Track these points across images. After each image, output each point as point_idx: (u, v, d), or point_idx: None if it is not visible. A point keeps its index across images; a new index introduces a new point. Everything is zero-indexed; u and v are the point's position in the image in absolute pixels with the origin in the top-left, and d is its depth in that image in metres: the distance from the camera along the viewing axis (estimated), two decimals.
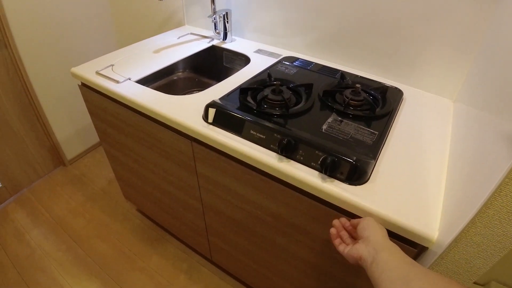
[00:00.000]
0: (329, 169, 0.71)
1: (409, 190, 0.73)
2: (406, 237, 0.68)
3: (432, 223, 0.67)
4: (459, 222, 0.56)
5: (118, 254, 1.57)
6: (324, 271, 0.92)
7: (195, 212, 1.19)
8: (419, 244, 0.68)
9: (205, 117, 0.89)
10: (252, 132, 0.82)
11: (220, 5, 1.39)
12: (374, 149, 0.79)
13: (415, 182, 0.75)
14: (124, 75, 1.11)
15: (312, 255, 0.91)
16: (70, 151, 2.04)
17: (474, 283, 1.43)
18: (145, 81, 1.12)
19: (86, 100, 1.24)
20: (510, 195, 0.49)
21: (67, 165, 2.05)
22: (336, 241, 0.66)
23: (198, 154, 0.96)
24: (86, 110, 1.28)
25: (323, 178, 0.73)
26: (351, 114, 0.91)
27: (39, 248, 1.59)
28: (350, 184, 0.73)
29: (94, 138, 2.17)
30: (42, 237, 1.64)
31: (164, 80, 1.27)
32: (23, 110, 1.71)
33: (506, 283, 1.34)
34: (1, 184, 1.77)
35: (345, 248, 0.62)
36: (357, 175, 0.73)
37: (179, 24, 1.61)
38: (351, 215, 0.73)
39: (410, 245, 0.69)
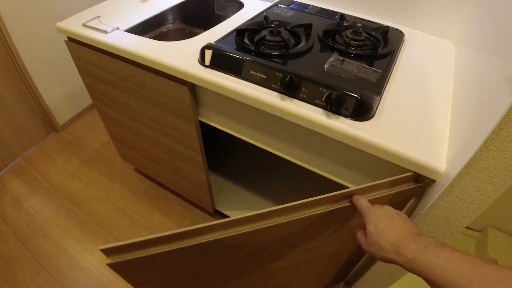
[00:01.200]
0: (334, 105, 0.69)
1: (414, 124, 0.71)
2: (413, 170, 0.67)
3: (439, 155, 0.66)
4: (470, 148, 0.55)
5: (119, 214, 1.57)
6: None
7: (195, 164, 1.18)
8: (427, 178, 0.67)
9: (202, 60, 0.85)
10: (252, 72, 0.78)
11: None
12: (378, 85, 0.78)
13: (420, 117, 0.74)
14: (112, 26, 1.05)
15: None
16: (61, 117, 1.99)
17: (470, 228, 1.46)
18: (134, 32, 1.06)
19: (74, 57, 1.18)
20: None
21: (59, 131, 2.01)
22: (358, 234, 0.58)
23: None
24: (75, 72, 1.23)
25: (328, 115, 0.71)
26: (352, 54, 0.88)
27: (38, 214, 1.58)
28: (355, 120, 0.71)
29: (85, 101, 2.11)
30: (40, 204, 1.63)
31: (154, 32, 1.21)
32: (10, 77, 1.64)
33: (502, 229, 1.38)
34: None
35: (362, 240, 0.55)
36: (362, 110, 0.71)
37: None
38: (358, 152, 0.72)
39: (416, 182, 0.69)
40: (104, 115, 1.38)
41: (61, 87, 1.91)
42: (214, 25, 1.04)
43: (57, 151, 1.90)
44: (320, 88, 0.72)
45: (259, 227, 0.59)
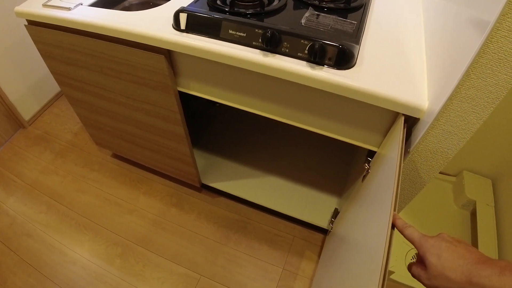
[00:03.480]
0: (318, 56, 0.70)
1: (394, 67, 0.74)
2: (398, 111, 0.69)
3: (421, 93, 0.68)
4: (451, 81, 0.57)
5: (102, 202, 1.54)
6: None
7: (178, 138, 1.16)
8: (411, 117, 0.70)
9: (176, 25, 0.82)
10: (231, 32, 0.77)
11: None
12: (356, 35, 0.79)
13: (399, 60, 0.76)
14: (74, 2, 0.99)
15: None
16: (26, 111, 1.89)
17: (446, 174, 1.53)
18: (98, 6, 1.02)
19: (36, 42, 1.11)
20: (501, 41, 0.49)
21: (26, 127, 1.91)
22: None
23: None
24: (35, 63, 1.16)
25: (312, 67, 0.71)
26: (326, 8, 0.90)
27: (19, 215, 1.52)
28: (338, 69, 0.72)
29: (49, 93, 2.01)
30: (19, 204, 1.56)
31: (117, 7, 1.16)
32: None
33: (476, 171, 1.46)
34: None
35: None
36: (345, 59, 0.72)
37: None
38: (343, 102, 0.73)
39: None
40: (73, 101, 1.32)
41: (22, 81, 1.80)
42: None
43: (28, 148, 1.81)
44: (302, 41, 0.72)
45: None
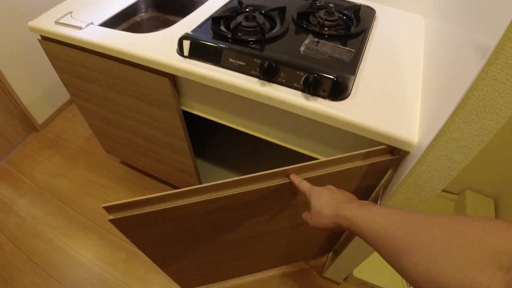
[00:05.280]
0: (312, 88, 0.73)
1: (388, 100, 0.76)
2: (389, 144, 0.71)
3: (412, 128, 0.70)
4: (439, 121, 0.59)
5: None
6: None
7: (181, 152, 1.20)
8: (401, 150, 0.72)
9: (180, 51, 0.86)
10: (231, 60, 0.80)
11: None
12: (352, 65, 0.81)
13: (393, 93, 0.78)
14: (86, 21, 1.03)
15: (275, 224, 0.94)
16: (40, 115, 1.96)
17: (449, 192, 1.54)
18: (108, 25, 1.06)
19: (49, 55, 1.16)
20: (486, 89, 0.51)
21: (39, 130, 1.98)
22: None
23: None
24: (49, 68, 1.21)
25: (306, 97, 0.74)
26: (326, 34, 0.91)
27: (29, 216, 1.58)
28: (332, 100, 0.74)
29: (62, 98, 2.08)
30: (30, 205, 1.63)
31: (127, 23, 1.20)
32: None
33: (479, 191, 1.46)
34: None
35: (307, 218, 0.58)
36: (339, 91, 0.74)
37: None
38: (336, 130, 0.75)
39: (391, 154, 0.73)
40: (84, 111, 1.37)
41: (36, 85, 1.87)
42: (188, 12, 1.04)
43: (40, 151, 1.88)
44: (298, 72, 0.75)
45: (220, 195, 0.68)
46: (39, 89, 1.89)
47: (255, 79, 0.78)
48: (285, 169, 0.67)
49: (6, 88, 1.69)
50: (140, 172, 1.74)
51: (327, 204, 0.53)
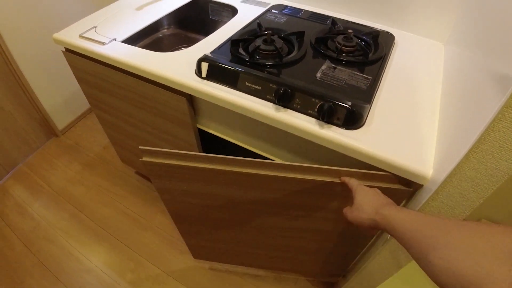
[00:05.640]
0: (326, 116, 0.73)
1: (403, 131, 0.75)
2: (402, 176, 0.70)
3: (427, 161, 0.69)
4: (454, 158, 0.59)
5: (122, 216, 1.61)
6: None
7: None
8: (414, 183, 0.71)
9: (198, 72, 0.87)
10: (247, 84, 0.81)
11: None
12: (368, 93, 0.80)
13: (409, 123, 0.77)
14: (109, 36, 1.07)
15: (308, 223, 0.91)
16: (60, 121, 2.01)
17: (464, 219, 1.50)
18: (131, 41, 1.09)
19: (72, 66, 1.20)
20: (503, 130, 0.50)
21: (59, 136, 2.03)
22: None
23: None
24: (71, 76, 1.25)
25: (320, 125, 0.74)
26: (344, 61, 0.91)
27: (43, 219, 1.62)
28: (346, 129, 0.74)
29: (83, 106, 2.13)
30: (44, 209, 1.66)
31: (150, 38, 1.23)
32: (7, 85, 1.66)
33: (496, 221, 1.42)
34: None
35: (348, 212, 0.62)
36: (353, 119, 0.74)
37: None
38: (349, 160, 0.75)
39: (405, 186, 0.72)
40: (103, 121, 1.41)
41: (58, 92, 1.93)
42: (209, 30, 1.06)
43: (58, 156, 1.93)
44: (313, 99, 0.75)
45: (260, 173, 0.72)
46: (61, 96, 1.95)
47: (270, 104, 0.79)
48: (337, 169, 0.71)
49: (29, 93, 1.75)
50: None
51: (370, 202, 0.58)
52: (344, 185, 0.70)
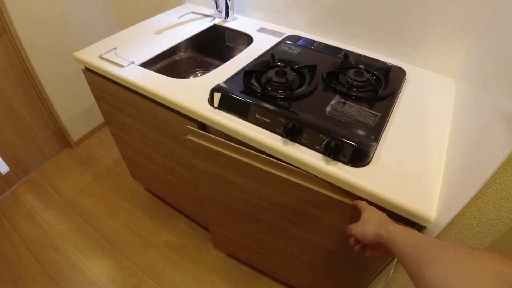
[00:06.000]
0: (333, 153, 0.74)
1: (409, 171, 0.75)
2: (406, 216, 0.71)
3: (431, 204, 0.69)
4: (456, 205, 0.59)
5: (128, 231, 1.63)
6: (325, 248, 0.96)
7: None
8: (418, 223, 0.71)
9: (211, 101, 0.90)
10: (257, 116, 0.83)
11: None
12: (376, 131, 0.81)
13: (415, 164, 0.77)
14: (128, 59, 1.11)
15: (316, 237, 0.94)
16: (75, 133, 2.07)
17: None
18: (148, 64, 1.13)
19: (90, 84, 1.25)
20: (505, 184, 0.51)
21: (73, 147, 2.08)
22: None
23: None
24: (89, 90, 1.30)
25: (326, 161, 0.76)
26: (354, 96, 0.92)
27: (50, 228, 1.65)
28: (352, 166, 0.75)
29: (99, 119, 2.19)
30: (53, 218, 1.69)
31: (167, 60, 1.27)
32: (26, 94, 1.72)
33: None
34: (9, 168, 1.81)
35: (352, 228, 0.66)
36: (359, 157, 0.75)
37: (179, 2, 1.59)
38: (354, 197, 0.76)
39: (409, 224, 0.73)
40: (116, 137, 1.44)
41: (75, 104, 1.98)
42: (224, 55, 1.10)
43: (71, 167, 1.97)
44: (320, 135, 0.77)
45: (282, 175, 0.82)
46: (78, 108, 2.01)
47: (279, 137, 0.81)
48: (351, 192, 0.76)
49: (47, 103, 1.81)
50: (163, 201, 1.78)
51: (376, 218, 0.63)
52: (354, 207, 0.74)
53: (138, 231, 1.63)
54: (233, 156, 0.87)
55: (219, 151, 0.88)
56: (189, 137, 0.93)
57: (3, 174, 1.80)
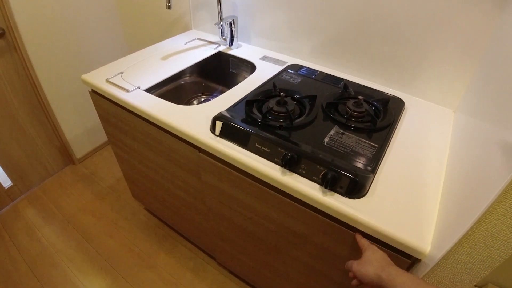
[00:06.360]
0: (330, 184, 0.75)
1: (405, 203, 0.76)
2: (401, 249, 0.72)
3: (426, 236, 0.70)
4: (449, 241, 0.60)
5: (126, 251, 1.63)
6: (324, 273, 0.96)
7: (202, 215, 1.24)
8: (413, 256, 0.72)
9: (213, 129, 0.93)
10: (257, 145, 0.85)
11: (226, 11, 1.41)
12: (373, 163, 0.83)
13: (412, 196, 0.78)
14: (134, 84, 1.14)
15: (312, 259, 0.95)
16: (79, 150, 2.10)
17: (474, 285, 1.47)
18: (154, 90, 1.16)
19: (96, 105, 1.28)
20: (494, 222, 0.52)
21: (76, 164, 2.11)
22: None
23: (203, 163, 1.01)
24: (94, 109, 1.33)
25: (323, 192, 0.77)
26: (352, 127, 0.94)
27: (50, 244, 1.65)
28: (349, 197, 0.76)
29: (102, 137, 2.22)
30: (53, 234, 1.70)
31: (172, 84, 1.30)
32: (33, 111, 1.76)
33: (503, 285, 1.38)
34: (12, 182, 1.83)
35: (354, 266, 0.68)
36: (356, 189, 0.76)
37: (186, 28, 1.64)
38: (350, 228, 0.77)
39: (405, 256, 0.74)
40: (119, 157, 1.47)
41: (80, 122, 2.02)
42: (227, 81, 1.12)
43: (73, 184, 1.99)
44: (318, 166, 0.78)
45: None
46: (83, 126, 2.04)
47: (277, 167, 0.83)
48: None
49: (52, 120, 1.85)
50: (162, 222, 1.78)
51: (379, 259, 0.64)
52: (355, 240, 0.76)
53: (137, 252, 1.63)
54: (238, 175, 0.92)
55: (227, 169, 0.94)
56: (201, 153, 0.98)
57: (6, 188, 1.82)
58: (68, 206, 1.86)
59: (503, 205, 0.51)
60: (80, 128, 2.03)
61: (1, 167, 1.76)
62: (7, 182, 1.82)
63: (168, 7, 1.17)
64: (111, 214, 1.82)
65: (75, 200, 1.89)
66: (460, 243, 0.57)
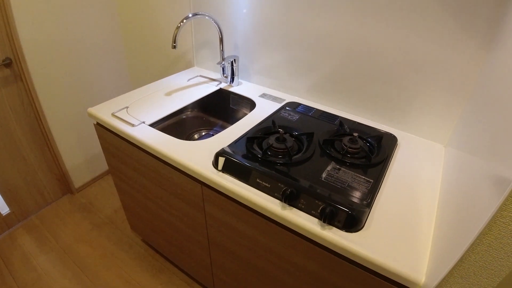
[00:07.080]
0: (328, 218, 0.79)
1: (400, 236, 0.80)
2: (396, 280, 0.75)
3: (420, 268, 0.73)
4: (441, 272, 0.64)
5: (122, 283, 1.62)
6: None
7: (201, 247, 1.26)
8: (408, 287, 0.75)
9: (215, 164, 0.97)
10: (258, 180, 0.90)
11: (228, 50, 1.50)
12: (369, 197, 0.87)
13: (406, 229, 0.82)
14: (139, 118, 1.19)
15: None
16: (78, 179, 2.11)
17: None
18: (158, 124, 1.21)
19: (100, 137, 1.32)
20: (482, 253, 0.56)
21: (74, 193, 2.12)
22: None
23: (207, 197, 1.04)
24: (95, 139, 1.36)
25: (322, 226, 0.81)
26: (348, 162, 0.99)
27: (45, 274, 1.64)
28: (346, 231, 0.80)
29: (102, 167, 2.25)
30: (48, 264, 1.69)
31: (174, 119, 1.36)
32: (34, 139, 1.80)
33: None
34: (9, 209, 1.84)
35: None
36: (352, 223, 0.80)
37: (188, 65, 1.72)
38: (348, 260, 0.80)
39: (400, 287, 0.76)
40: (119, 188, 1.49)
41: (81, 152, 2.05)
42: (228, 117, 1.17)
43: (70, 213, 1.99)
44: (316, 201, 0.82)
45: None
46: (83, 156, 2.07)
47: (277, 201, 0.87)
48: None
49: (53, 149, 1.88)
50: (160, 254, 1.78)
51: None
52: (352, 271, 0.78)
53: (133, 284, 1.62)
54: (241, 207, 0.95)
55: (229, 201, 0.97)
56: (204, 187, 1.01)
57: (3, 215, 1.82)
58: (65, 235, 1.85)
59: (488, 236, 0.55)
60: (80, 157, 2.06)
61: (0, 193, 1.77)
62: (4, 209, 1.83)
63: (174, 47, 1.24)
64: (108, 245, 1.81)
65: (72, 230, 1.89)
66: (451, 273, 0.61)
